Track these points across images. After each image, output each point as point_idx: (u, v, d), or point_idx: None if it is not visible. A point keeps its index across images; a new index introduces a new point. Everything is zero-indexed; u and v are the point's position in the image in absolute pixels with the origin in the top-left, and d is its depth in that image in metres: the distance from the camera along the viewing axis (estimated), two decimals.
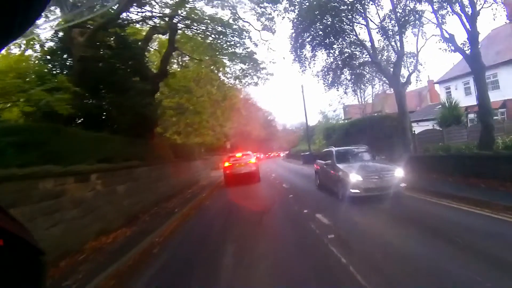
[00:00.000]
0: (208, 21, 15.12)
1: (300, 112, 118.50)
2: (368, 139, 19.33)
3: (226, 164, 20.60)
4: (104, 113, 12.53)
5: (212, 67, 21.03)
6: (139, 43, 14.73)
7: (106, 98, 12.29)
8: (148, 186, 12.64)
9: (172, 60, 23.11)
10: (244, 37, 15.96)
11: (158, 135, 19.49)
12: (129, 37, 14.16)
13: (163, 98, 19.13)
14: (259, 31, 16.86)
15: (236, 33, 15.62)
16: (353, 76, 22.62)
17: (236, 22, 15.76)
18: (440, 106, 33.15)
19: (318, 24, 17.89)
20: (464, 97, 29.45)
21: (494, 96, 27.03)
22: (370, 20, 17.96)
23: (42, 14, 0.72)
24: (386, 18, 16.85)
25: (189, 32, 16.89)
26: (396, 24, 16.40)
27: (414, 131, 19.45)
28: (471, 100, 28.89)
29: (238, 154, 21.40)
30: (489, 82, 29.01)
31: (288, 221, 9.19)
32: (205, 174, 26.63)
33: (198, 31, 16.58)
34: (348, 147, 14.07)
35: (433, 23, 15.50)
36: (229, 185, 19.38)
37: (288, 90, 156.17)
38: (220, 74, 22.31)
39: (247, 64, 18.15)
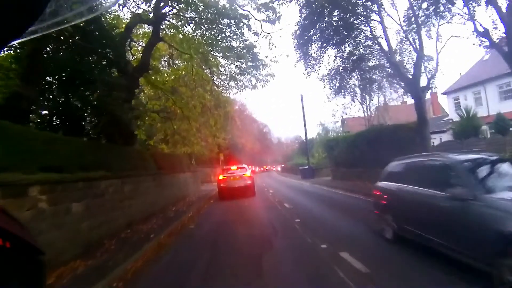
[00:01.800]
0: (201, 8, 12.76)
1: (296, 124, 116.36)
2: (379, 152, 17.09)
3: (221, 177, 19.90)
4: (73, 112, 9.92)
5: (204, 68, 18.67)
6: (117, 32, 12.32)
7: (69, 92, 9.74)
8: (118, 203, 10.01)
9: (162, 60, 20.78)
10: (242, 26, 13.58)
11: (140, 142, 16.97)
12: (107, 24, 11.75)
13: (147, 99, 16.63)
14: (260, 21, 14.48)
15: (233, 21, 13.25)
16: (362, 82, 20.81)
17: (233, 12, 13.47)
18: (447, 118, 31.25)
19: (327, 18, 15.77)
20: (474, 108, 27.39)
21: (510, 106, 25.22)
22: (388, 14, 15.88)
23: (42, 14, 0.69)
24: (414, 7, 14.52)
25: (178, 22, 14.52)
26: (422, 15, 14.22)
27: (433, 142, 17.21)
28: (483, 111, 27.02)
29: (233, 167, 20.77)
30: (505, 91, 27.16)
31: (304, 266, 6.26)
32: (195, 188, 23.99)
33: (189, 20, 14.19)
34: (492, 155, 6.41)
35: (464, 13, 13.35)
36: (223, 198, 18.51)
37: (285, 102, 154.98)
38: (214, 77, 19.97)
39: (244, 61, 15.77)
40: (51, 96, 10.25)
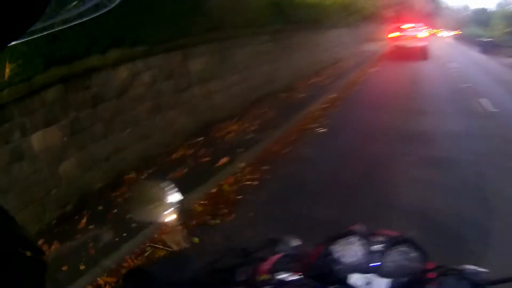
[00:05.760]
0: None
1: None
2: None
3: (392, 34, 18.76)
4: None
5: None
6: None
7: None
8: (174, 95, 5.50)
9: None
10: None
11: None
12: None
13: None
14: None
15: None
16: None
17: None
18: None
19: None
20: None
21: None
22: None
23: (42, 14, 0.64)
24: None
25: None
26: None
27: None
28: None
29: (407, 25, 18.65)
30: None
31: None
32: (353, 48, 17.87)
33: None
34: None
35: None
36: (392, 59, 16.83)
37: None
38: None
39: None
40: None
